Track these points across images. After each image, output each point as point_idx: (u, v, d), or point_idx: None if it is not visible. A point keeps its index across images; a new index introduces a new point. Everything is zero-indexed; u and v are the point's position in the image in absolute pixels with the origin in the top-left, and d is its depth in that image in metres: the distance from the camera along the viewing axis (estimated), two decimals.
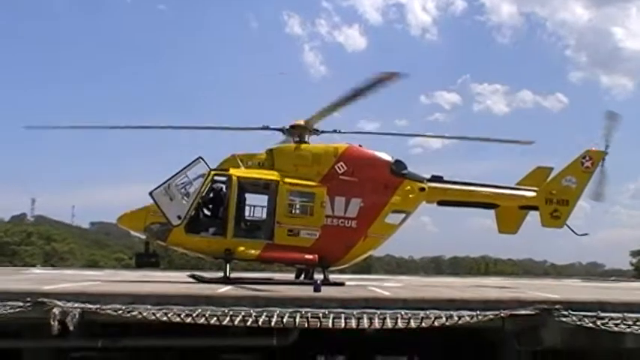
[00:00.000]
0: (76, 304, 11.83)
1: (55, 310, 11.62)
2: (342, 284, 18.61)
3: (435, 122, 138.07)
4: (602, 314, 12.17)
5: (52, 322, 11.53)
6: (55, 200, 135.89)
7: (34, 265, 54.58)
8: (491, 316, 12.07)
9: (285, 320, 11.66)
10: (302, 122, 20.26)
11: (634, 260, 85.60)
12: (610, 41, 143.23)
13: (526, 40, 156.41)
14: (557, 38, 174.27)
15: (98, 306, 11.86)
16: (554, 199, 21.50)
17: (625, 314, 12.20)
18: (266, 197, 19.67)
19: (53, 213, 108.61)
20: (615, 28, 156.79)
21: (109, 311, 11.76)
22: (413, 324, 11.79)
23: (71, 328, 11.60)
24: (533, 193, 21.53)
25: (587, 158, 21.87)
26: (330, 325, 11.69)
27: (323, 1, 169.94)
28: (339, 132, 20.59)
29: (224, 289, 14.63)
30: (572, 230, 21.92)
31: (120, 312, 11.74)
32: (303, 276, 20.36)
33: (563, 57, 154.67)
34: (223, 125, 21.10)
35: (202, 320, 11.64)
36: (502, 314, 12.15)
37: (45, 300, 11.82)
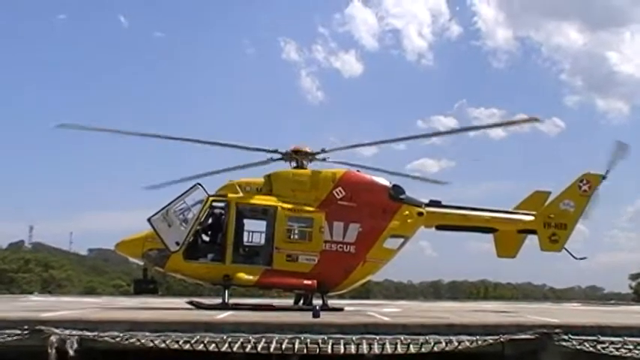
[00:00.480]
0: (74, 332, 11.75)
1: (53, 338, 11.54)
2: (341, 309, 18.56)
3: (432, 146, 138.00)
4: (603, 338, 12.10)
5: (50, 350, 11.44)
6: (53, 227, 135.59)
7: (31, 293, 54.38)
8: (491, 341, 12.00)
9: (284, 346, 11.59)
10: (303, 148, 20.36)
11: (633, 283, 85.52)
12: (605, 65, 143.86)
13: (522, 65, 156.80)
14: (552, 63, 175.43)
15: (96, 333, 11.78)
16: (553, 223, 21.54)
17: (625, 338, 12.12)
18: (264, 223, 19.69)
19: (51, 240, 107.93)
20: (610, 52, 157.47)
21: (107, 338, 11.68)
22: (412, 349, 11.72)
23: (71, 354, 11.52)
24: (531, 217, 21.57)
25: (585, 182, 21.94)
26: (330, 350, 11.62)
27: (319, 27, 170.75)
28: (336, 161, 20.72)
29: (223, 315, 14.57)
30: (571, 254, 21.94)
31: (118, 339, 11.67)
32: (302, 301, 20.31)
33: (559, 81, 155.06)
34: (228, 142, 20.96)
35: (201, 347, 11.56)
36: (502, 339, 12.08)
37: (42, 328, 11.74)
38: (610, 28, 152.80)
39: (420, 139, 19.72)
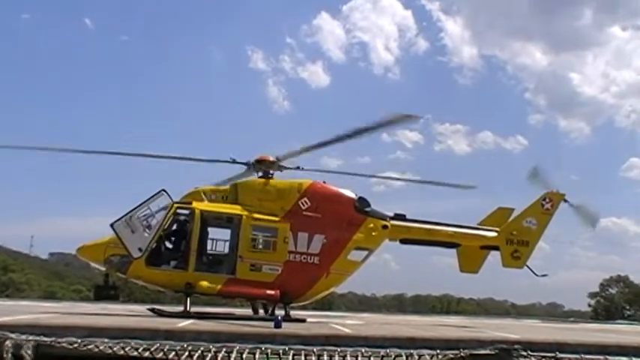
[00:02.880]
0: (30, 337, 11.56)
1: (8, 343, 11.33)
2: (303, 321, 18.52)
3: (396, 160, 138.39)
4: (561, 355, 12.26)
5: (5, 355, 11.24)
6: (13, 229, 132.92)
7: None
8: (452, 356, 12.07)
9: (244, 356, 11.53)
10: (267, 157, 20.34)
11: (592, 302, 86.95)
12: (568, 86, 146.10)
13: (487, 82, 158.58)
14: (517, 81, 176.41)
15: (53, 339, 11.60)
16: (515, 240, 21.81)
17: (583, 355, 12.31)
18: (229, 231, 19.63)
19: (11, 242, 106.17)
20: (572, 73, 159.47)
21: (64, 344, 11.51)
22: None
23: (27, 359, 11.32)
24: (494, 234, 21.81)
25: (547, 200, 22.29)
26: None
27: (287, 38, 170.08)
28: (302, 169, 20.76)
29: (184, 324, 14.46)
30: (532, 271, 22.22)
31: (76, 345, 11.50)
32: (262, 311, 20.24)
33: (523, 99, 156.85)
34: (188, 156, 21.05)
35: (161, 355, 11.44)
36: (462, 353, 12.17)
37: None
38: (574, 51, 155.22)
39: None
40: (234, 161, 20.48)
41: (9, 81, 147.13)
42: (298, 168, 20.74)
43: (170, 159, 21.15)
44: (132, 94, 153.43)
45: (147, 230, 18.69)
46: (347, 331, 14.73)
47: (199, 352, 11.53)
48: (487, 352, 12.34)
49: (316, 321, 19.65)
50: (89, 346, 11.49)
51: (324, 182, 20.43)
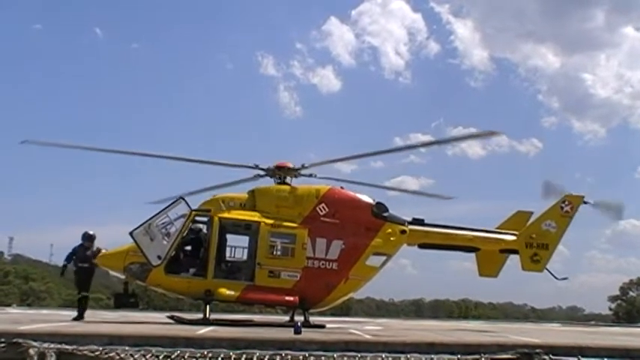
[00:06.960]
0: (52, 345, 11.65)
1: (31, 351, 11.41)
2: (322, 326, 18.52)
3: (410, 164, 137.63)
4: (583, 359, 12.18)
5: None
6: (34, 238, 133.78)
7: (9, 305, 53.79)
8: None
9: None
10: (285, 164, 20.38)
11: (612, 305, 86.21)
12: (581, 88, 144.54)
13: (499, 85, 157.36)
14: (529, 83, 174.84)
15: (75, 346, 11.68)
16: (534, 243, 21.64)
17: (605, 359, 12.21)
18: (247, 238, 19.68)
19: (31, 251, 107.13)
20: (585, 75, 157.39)
21: (86, 352, 11.57)
22: None
23: None
24: (513, 237, 21.67)
25: (567, 203, 22.11)
26: None
27: (297, 43, 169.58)
28: (316, 176, 20.76)
29: (203, 331, 14.50)
30: (552, 274, 22.06)
31: (97, 353, 11.55)
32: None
33: (536, 102, 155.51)
34: (211, 160, 21.09)
35: None
36: (483, 358, 12.10)
37: (20, 340, 11.62)
38: (586, 52, 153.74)
39: (397, 152, 19.74)
40: (256, 167, 20.54)
41: (21, 91, 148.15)
42: (311, 175, 20.74)
43: (193, 162, 21.18)
44: (142, 102, 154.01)
45: (166, 238, 18.77)
46: (367, 336, 14.70)
47: (219, 358, 11.56)
48: (508, 356, 12.26)
49: (335, 327, 19.63)
50: (110, 354, 11.55)
51: (342, 188, 20.43)
